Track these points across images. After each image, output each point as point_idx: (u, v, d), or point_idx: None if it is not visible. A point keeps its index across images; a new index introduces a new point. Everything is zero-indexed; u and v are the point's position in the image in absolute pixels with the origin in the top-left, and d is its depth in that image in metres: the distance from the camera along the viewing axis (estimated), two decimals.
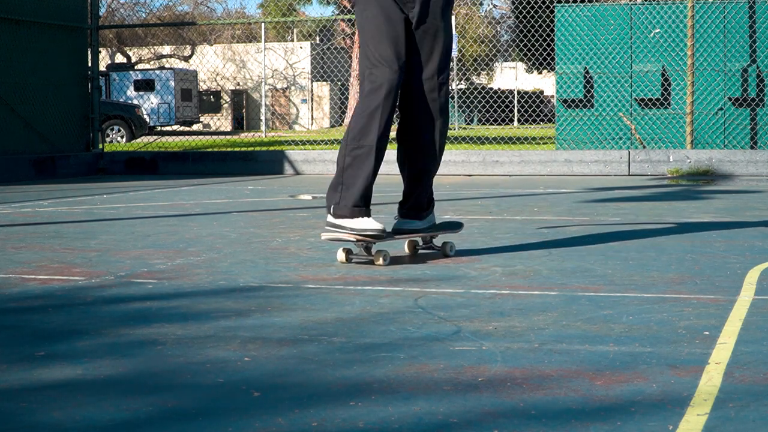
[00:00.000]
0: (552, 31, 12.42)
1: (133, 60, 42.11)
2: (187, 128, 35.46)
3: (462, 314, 2.99)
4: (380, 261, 3.98)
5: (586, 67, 11.72)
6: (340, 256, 4.08)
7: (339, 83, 42.84)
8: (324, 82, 44.07)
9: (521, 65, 39.96)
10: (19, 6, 10.75)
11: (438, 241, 4.37)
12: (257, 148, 14.47)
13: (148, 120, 28.08)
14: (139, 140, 22.80)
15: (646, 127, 11.55)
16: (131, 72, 35.91)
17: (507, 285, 3.52)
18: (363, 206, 4.00)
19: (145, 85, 34.95)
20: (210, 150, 13.23)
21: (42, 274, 3.87)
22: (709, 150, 10.72)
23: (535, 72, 33.43)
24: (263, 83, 20.78)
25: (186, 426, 1.92)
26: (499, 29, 39.84)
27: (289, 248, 4.57)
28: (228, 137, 24.84)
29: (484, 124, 36.74)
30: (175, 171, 11.55)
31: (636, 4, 12.45)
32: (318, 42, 44.61)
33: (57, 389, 2.19)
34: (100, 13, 19.45)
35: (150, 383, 2.25)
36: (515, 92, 34.97)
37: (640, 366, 2.34)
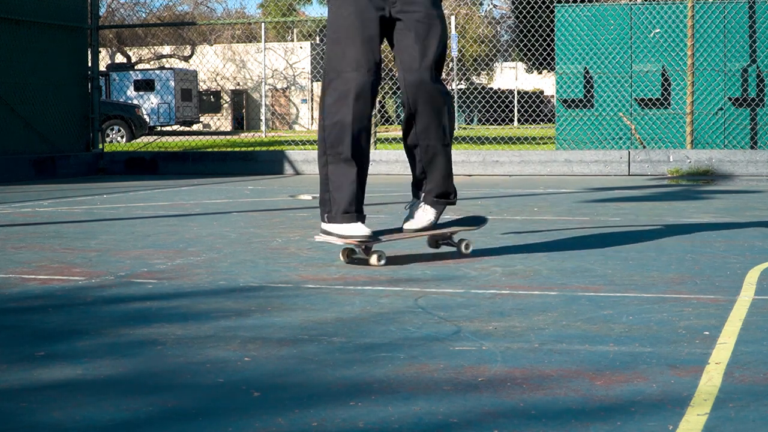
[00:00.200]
0: (552, 31, 12.42)
1: (133, 60, 42.11)
2: (187, 128, 35.45)
3: (462, 314, 2.99)
4: (374, 260, 3.98)
5: (586, 67, 11.72)
6: (340, 256, 4.11)
7: None
8: None
9: (521, 65, 39.97)
10: (19, 6, 10.75)
11: (456, 237, 4.35)
12: (257, 148, 14.47)
13: (148, 120, 28.08)
14: (139, 140, 22.80)
15: (646, 127, 11.55)
16: (131, 72, 35.90)
17: (507, 285, 3.52)
18: (353, 212, 4.01)
19: (145, 85, 34.94)
20: (210, 150, 13.23)
21: (42, 274, 3.87)
22: (709, 150, 10.72)
23: (535, 72, 33.42)
24: (263, 83, 20.79)
25: (186, 426, 1.92)
26: (499, 29, 39.82)
27: (289, 248, 4.57)
28: (228, 137, 24.85)
29: (484, 124, 36.75)
30: (175, 171, 11.55)
31: (636, 4, 12.45)
32: (318, 42, 44.60)
33: (57, 389, 2.19)
34: (100, 13, 19.46)
35: (150, 383, 2.25)
36: (515, 92, 34.97)
37: (640, 366, 2.34)
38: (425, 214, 4.22)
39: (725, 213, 6.27)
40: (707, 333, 2.70)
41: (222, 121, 42.81)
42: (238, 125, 44.08)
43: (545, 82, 47.09)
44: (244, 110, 44.76)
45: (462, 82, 41.10)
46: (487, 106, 30.46)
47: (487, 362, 2.40)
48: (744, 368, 2.31)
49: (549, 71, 24.44)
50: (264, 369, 2.36)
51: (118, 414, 2.00)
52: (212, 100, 44.49)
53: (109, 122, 23.73)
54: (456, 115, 29.86)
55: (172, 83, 34.91)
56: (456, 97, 30.48)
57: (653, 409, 2.00)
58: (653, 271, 3.80)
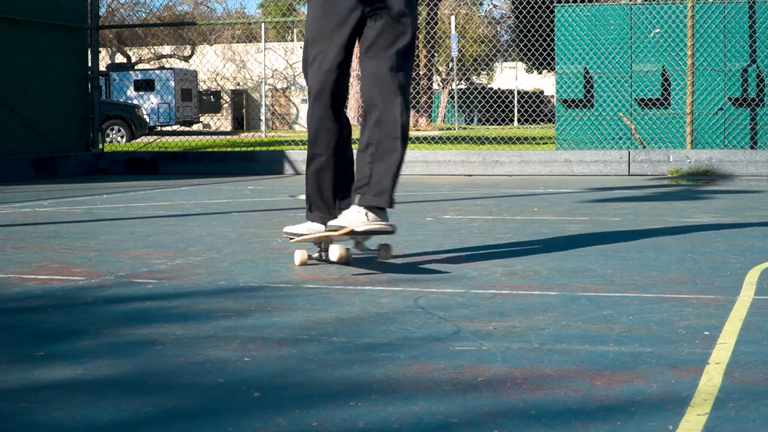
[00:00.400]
0: (552, 31, 12.42)
1: (133, 60, 42.12)
2: (187, 128, 35.45)
3: (462, 314, 2.99)
4: (336, 256, 3.79)
5: (586, 67, 11.72)
6: (304, 256, 4.04)
7: None
8: None
9: (521, 65, 39.97)
10: (19, 6, 10.75)
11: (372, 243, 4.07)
12: (257, 148, 14.46)
13: (148, 120, 28.08)
14: (139, 140, 22.79)
15: (646, 127, 11.55)
16: (131, 72, 35.89)
17: (507, 285, 3.52)
18: (317, 211, 4.08)
19: (145, 85, 34.93)
20: (210, 150, 13.23)
21: (42, 274, 3.87)
22: (709, 150, 10.72)
23: (535, 72, 33.44)
24: (263, 83, 20.76)
25: (186, 426, 1.92)
26: (499, 29, 39.84)
27: (289, 248, 4.56)
28: (228, 137, 24.84)
29: (484, 124, 36.76)
30: (175, 171, 11.55)
31: (636, 4, 12.45)
32: None
33: (57, 389, 2.19)
34: (100, 13, 19.47)
35: (150, 383, 2.25)
36: (515, 92, 34.98)
37: (640, 366, 2.34)
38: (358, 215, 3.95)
39: (725, 213, 6.27)
40: (707, 333, 2.70)
41: (222, 121, 42.81)
42: (238, 125, 44.08)
43: (545, 82, 47.10)
44: (244, 110, 44.76)
45: (462, 82, 41.11)
46: (487, 106, 30.47)
47: (487, 362, 2.40)
48: (744, 368, 2.31)
49: (549, 71, 24.45)
50: (264, 369, 2.36)
51: (118, 414, 2.00)
52: (212, 100, 44.49)
53: (109, 122, 23.73)
54: (456, 115, 29.87)
55: (172, 83, 34.91)
56: (456, 97, 30.48)
57: (653, 409, 2.00)
58: (653, 271, 3.80)
